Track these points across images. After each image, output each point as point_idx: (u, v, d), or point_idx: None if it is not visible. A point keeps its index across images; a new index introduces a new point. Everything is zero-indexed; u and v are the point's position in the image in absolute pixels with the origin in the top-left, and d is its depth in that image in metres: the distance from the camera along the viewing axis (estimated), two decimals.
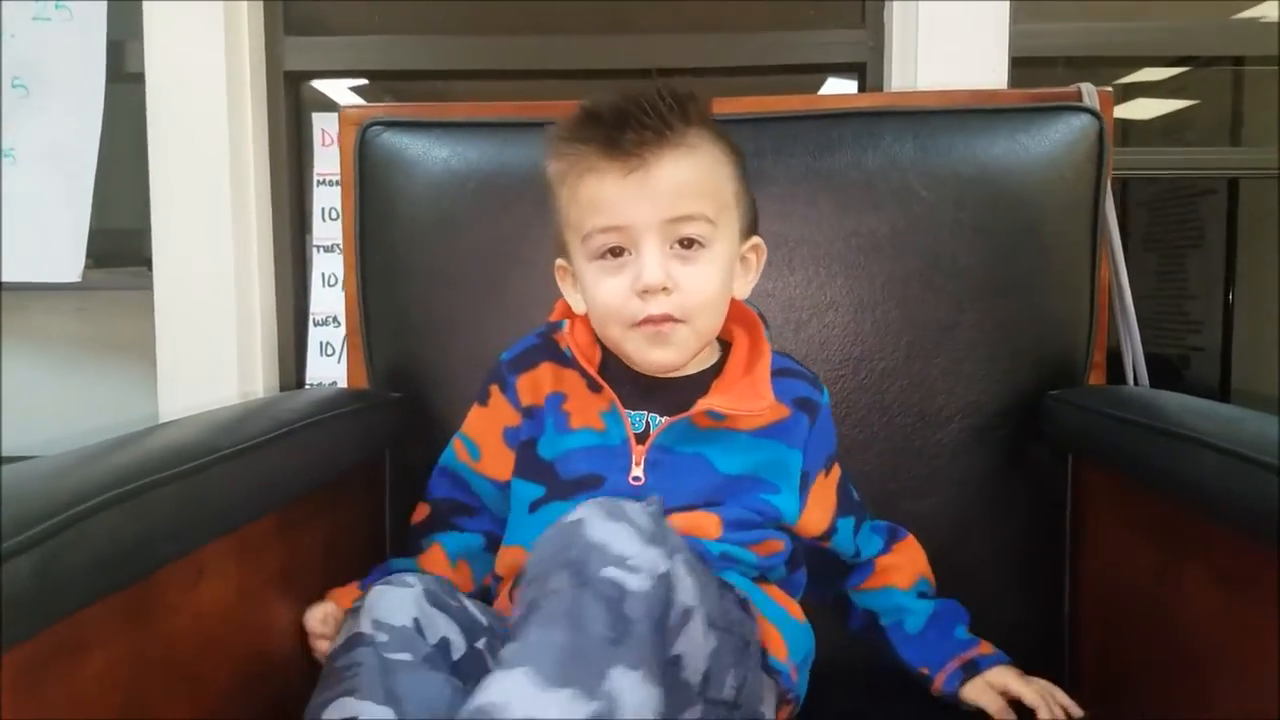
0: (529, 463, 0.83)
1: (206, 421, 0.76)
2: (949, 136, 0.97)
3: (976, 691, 0.83)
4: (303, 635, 0.81)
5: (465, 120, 1.00)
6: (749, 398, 0.79)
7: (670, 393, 0.81)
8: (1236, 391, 2.22)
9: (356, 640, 0.69)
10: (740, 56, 1.41)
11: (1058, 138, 0.97)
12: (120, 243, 1.54)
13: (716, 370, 0.83)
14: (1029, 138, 0.97)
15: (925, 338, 0.95)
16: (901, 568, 0.89)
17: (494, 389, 0.86)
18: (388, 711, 0.65)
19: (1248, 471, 0.64)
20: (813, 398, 0.83)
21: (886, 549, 0.90)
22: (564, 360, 0.83)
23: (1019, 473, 0.97)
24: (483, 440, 0.87)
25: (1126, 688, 0.87)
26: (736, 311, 0.83)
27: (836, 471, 0.87)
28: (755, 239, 0.83)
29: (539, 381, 0.84)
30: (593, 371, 0.80)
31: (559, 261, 0.84)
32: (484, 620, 0.74)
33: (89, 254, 1.43)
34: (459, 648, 0.71)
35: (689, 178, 0.75)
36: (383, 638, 0.68)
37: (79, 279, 1.41)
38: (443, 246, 0.97)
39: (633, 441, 0.79)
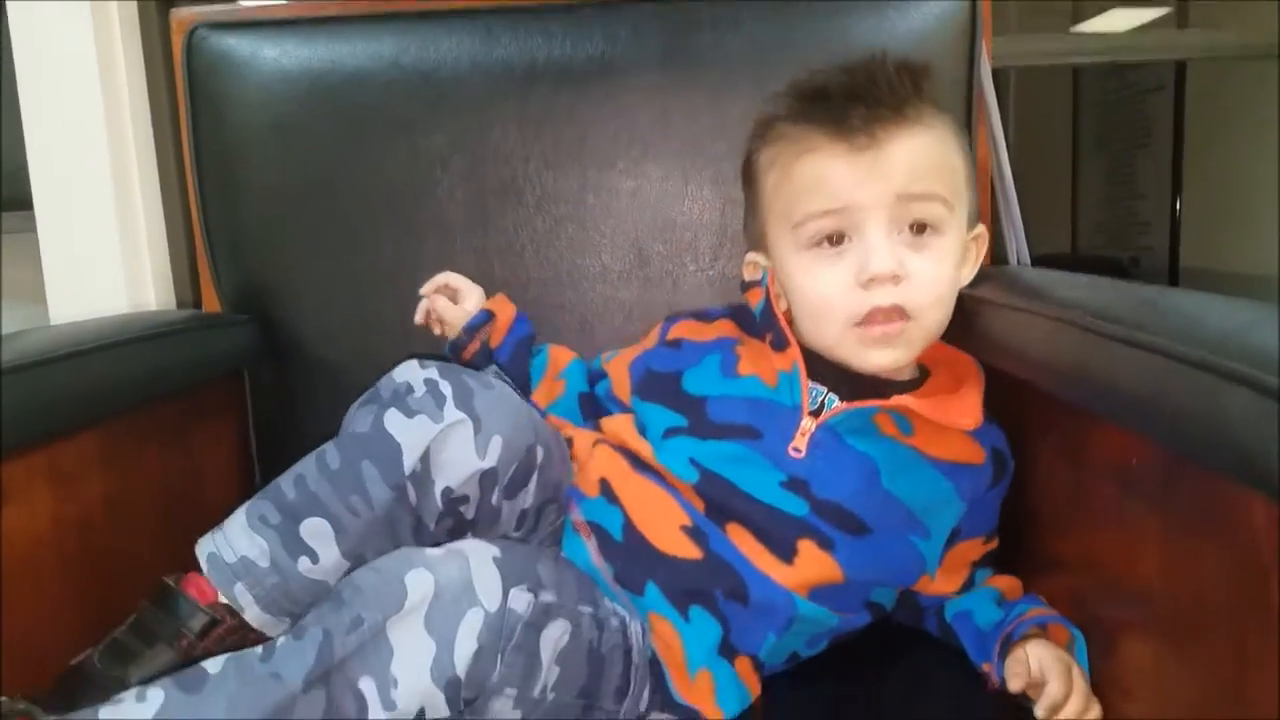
0: (665, 389, 0.76)
1: (12, 342, 0.73)
2: (811, 20, 0.93)
3: (1010, 663, 0.68)
4: (137, 570, 0.74)
5: (294, 17, 0.95)
6: (954, 412, 0.70)
7: (862, 383, 0.72)
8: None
9: (393, 470, 0.63)
10: None
11: (926, 16, 0.92)
12: (12, 184, 1.49)
13: (916, 384, 0.75)
14: (898, 15, 0.92)
15: None
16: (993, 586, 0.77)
17: (654, 331, 0.82)
18: (344, 566, 0.63)
19: (1079, 339, 0.61)
20: (1006, 454, 0.74)
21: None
22: (750, 327, 0.77)
23: None
24: (613, 362, 0.84)
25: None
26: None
27: (992, 545, 0.77)
28: (980, 228, 0.75)
29: (707, 330, 0.79)
30: (784, 325, 0.73)
31: (750, 257, 0.77)
32: (534, 484, 0.69)
33: None
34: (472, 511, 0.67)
35: (924, 156, 0.68)
36: (410, 493, 0.64)
37: None
38: (277, 156, 0.93)
39: (805, 409, 0.71)
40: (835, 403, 0.72)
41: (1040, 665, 0.65)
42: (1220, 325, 0.51)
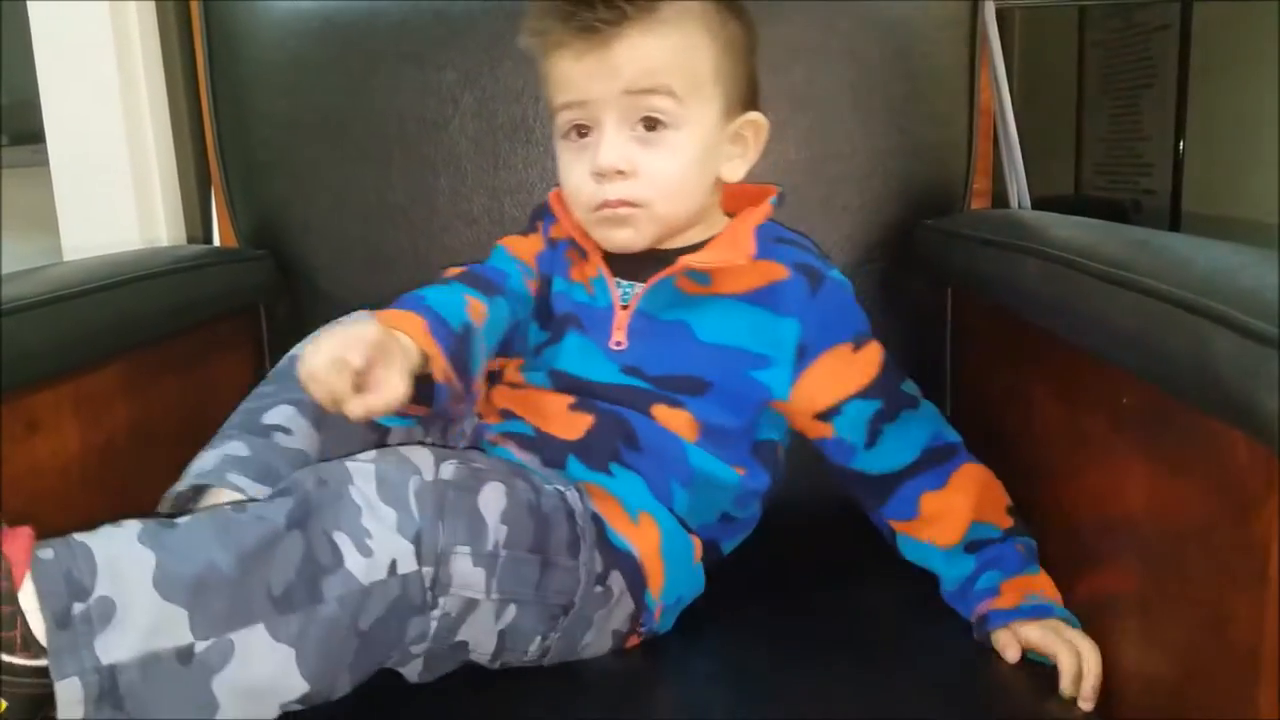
0: (541, 302, 0.82)
1: (37, 275, 0.75)
2: None
3: (1000, 644, 0.70)
4: (158, 492, 0.73)
5: None
6: (730, 253, 0.76)
7: (656, 261, 0.77)
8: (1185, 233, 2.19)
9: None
10: None
11: None
12: (26, 116, 1.50)
13: (704, 243, 0.79)
14: None
15: (797, 170, 0.93)
16: (949, 516, 0.76)
17: (538, 223, 0.85)
18: (315, 435, 0.68)
19: (1069, 277, 0.63)
20: (817, 266, 0.78)
21: (941, 482, 0.76)
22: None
23: (899, 307, 0.95)
24: (523, 257, 0.84)
25: None
26: (745, 190, 0.80)
27: (870, 352, 0.79)
28: (751, 114, 0.77)
29: (563, 228, 0.82)
30: (579, 237, 0.78)
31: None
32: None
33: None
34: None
35: (651, 52, 0.71)
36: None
37: None
38: (292, 91, 0.94)
39: (616, 307, 0.78)
40: (636, 289, 0.77)
41: (1033, 642, 0.68)
42: (1209, 267, 0.53)
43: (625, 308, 0.78)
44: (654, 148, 0.72)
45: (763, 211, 0.79)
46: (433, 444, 0.72)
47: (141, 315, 0.78)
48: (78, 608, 0.50)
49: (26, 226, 1.57)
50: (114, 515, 0.75)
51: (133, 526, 0.54)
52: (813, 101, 0.93)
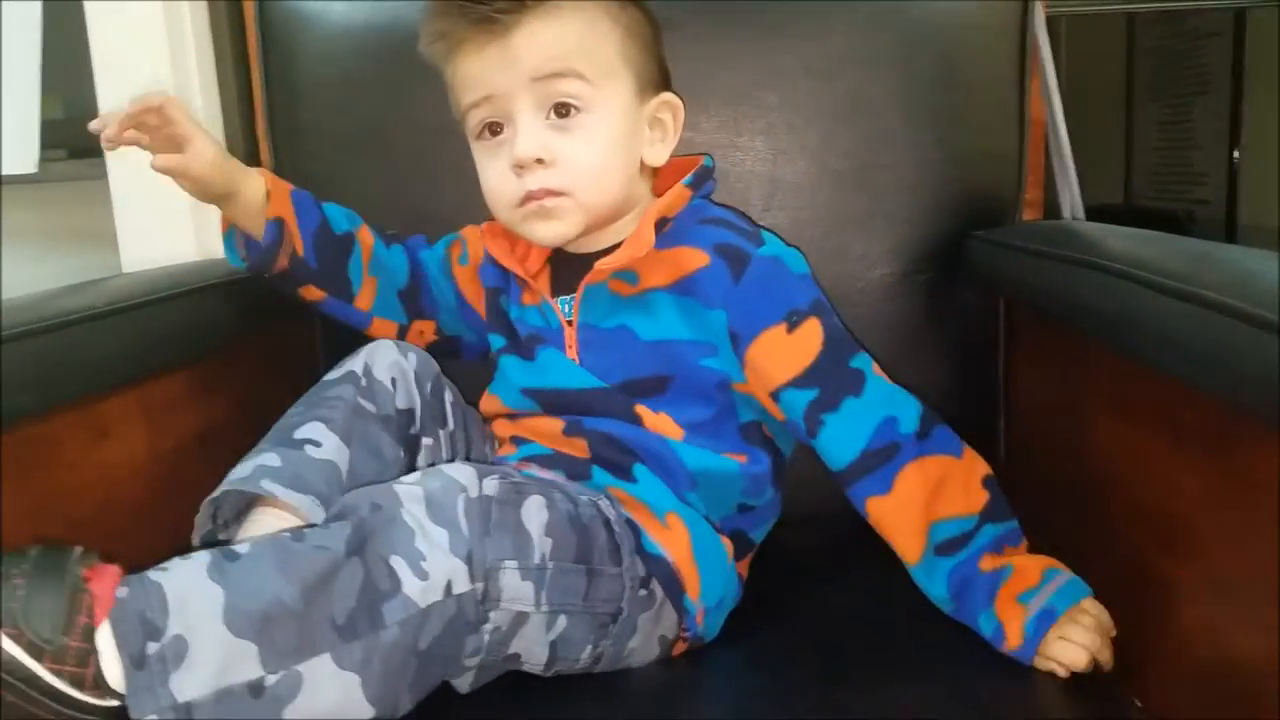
0: (494, 312, 0.84)
1: (104, 286, 0.77)
2: None
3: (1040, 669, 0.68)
4: None
5: None
6: (636, 245, 0.74)
7: (583, 270, 0.77)
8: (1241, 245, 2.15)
9: (350, 378, 0.74)
10: None
11: None
12: (81, 131, 1.54)
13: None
14: None
15: (843, 181, 0.93)
16: (902, 530, 0.72)
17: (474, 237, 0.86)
18: (344, 450, 0.70)
19: (1130, 290, 0.62)
20: (741, 246, 0.75)
21: (885, 487, 0.71)
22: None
23: (948, 318, 0.95)
24: (471, 247, 0.87)
25: (1056, 543, 0.86)
26: (678, 166, 0.79)
27: (807, 334, 0.74)
28: (665, 95, 0.77)
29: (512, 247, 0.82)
30: (518, 269, 0.79)
31: None
32: (451, 420, 0.79)
33: (50, 146, 1.43)
34: (418, 426, 0.76)
35: (553, 37, 0.71)
36: (364, 382, 0.73)
37: (35, 170, 1.41)
38: (343, 105, 0.96)
39: (564, 325, 0.78)
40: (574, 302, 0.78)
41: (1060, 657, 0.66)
42: (1275, 281, 0.52)
43: (570, 324, 0.78)
44: (570, 133, 0.72)
45: (675, 195, 0.76)
46: (468, 460, 0.75)
47: (205, 324, 0.81)
48: (152, 647, 0.51)
49: (86, 240, 1.61)
50: (179, 520, 0.77)
51: (200, 560, 0.55)
52: (860, 111, 0.93)
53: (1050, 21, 0.97)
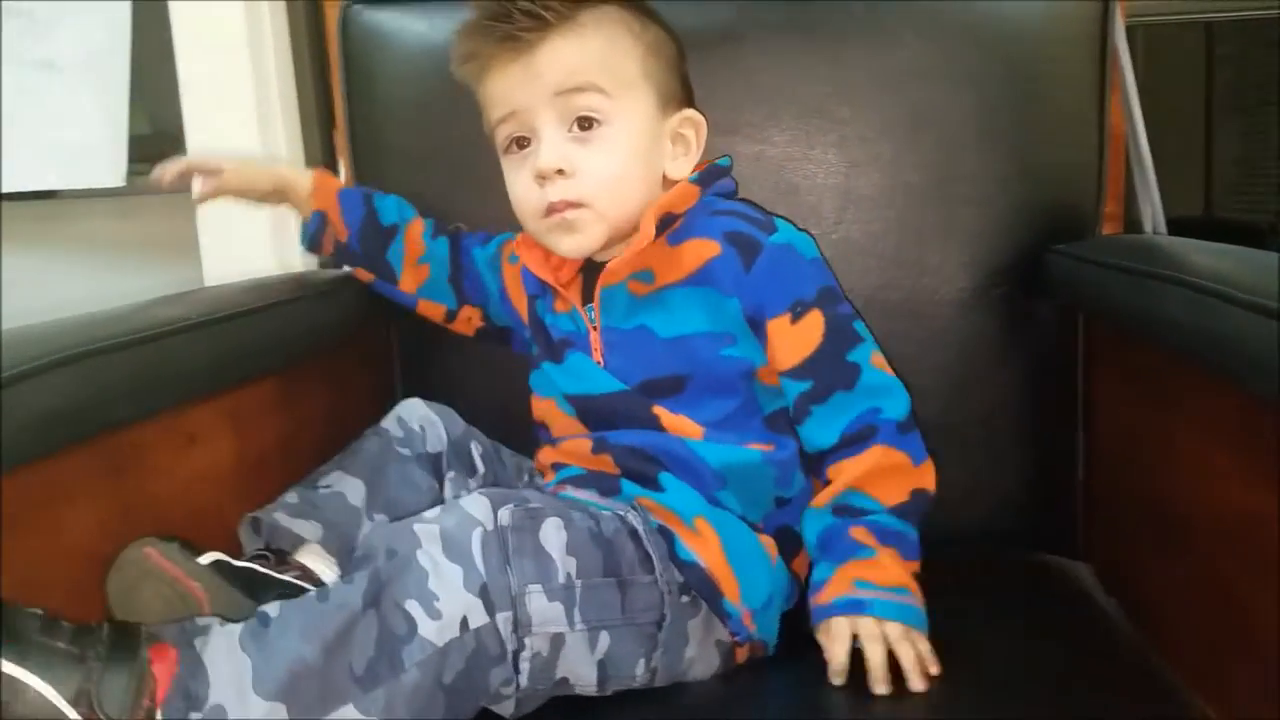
0: (533, 317, 0.86)
1: (193, 297, 0.80)
2: None
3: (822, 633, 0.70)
4: None
5: None
6: (639, 241, 0.76)
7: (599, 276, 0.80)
8: None
9: (378, 431, 0.83)
10: None
11: None
12: (168, 146, 1.59)
13: None
14: None
15: (917, 194, 0.92)
16: (833, 484, 0.74)
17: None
18: (360, 485, 0.78)
19: (1216, 308, 0.61)
20: (752, 234, 0.76)
21: (854, 448, 0.73)
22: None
23: (1024, 333, 0.93)
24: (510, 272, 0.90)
25: (1134, 563, 0.84)
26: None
27: (808, 326, 0.75)
28: (687, 111, 0.80)
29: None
30: (550, 279, 0.81)
31: None
32: (481, 465, 0.85)
33: (136, 159, 1.49)
34: (446, 465, 0.83)
35: (575, 53, 0.74)
36: (397, 433, 0.82)
37: (123, 183, 1.47)
38: (424, 127, 0.98)
39: (590, 330, 0.80)
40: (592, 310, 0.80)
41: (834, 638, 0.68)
42: None
43: (595, 328, 0.80)
44: (591, 145, 0.75)
45: (679, 190, 0.78)
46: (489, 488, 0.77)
47: (290, 335, 0.83)
48: (194, 716, 0.55)
49: (169, 251, 1.67)
50: None
51: (233, 631, 0.59)
52: (933, 124, 0.92)
53: (1127, 30, 0.96)
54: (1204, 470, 0.70)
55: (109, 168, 1.46)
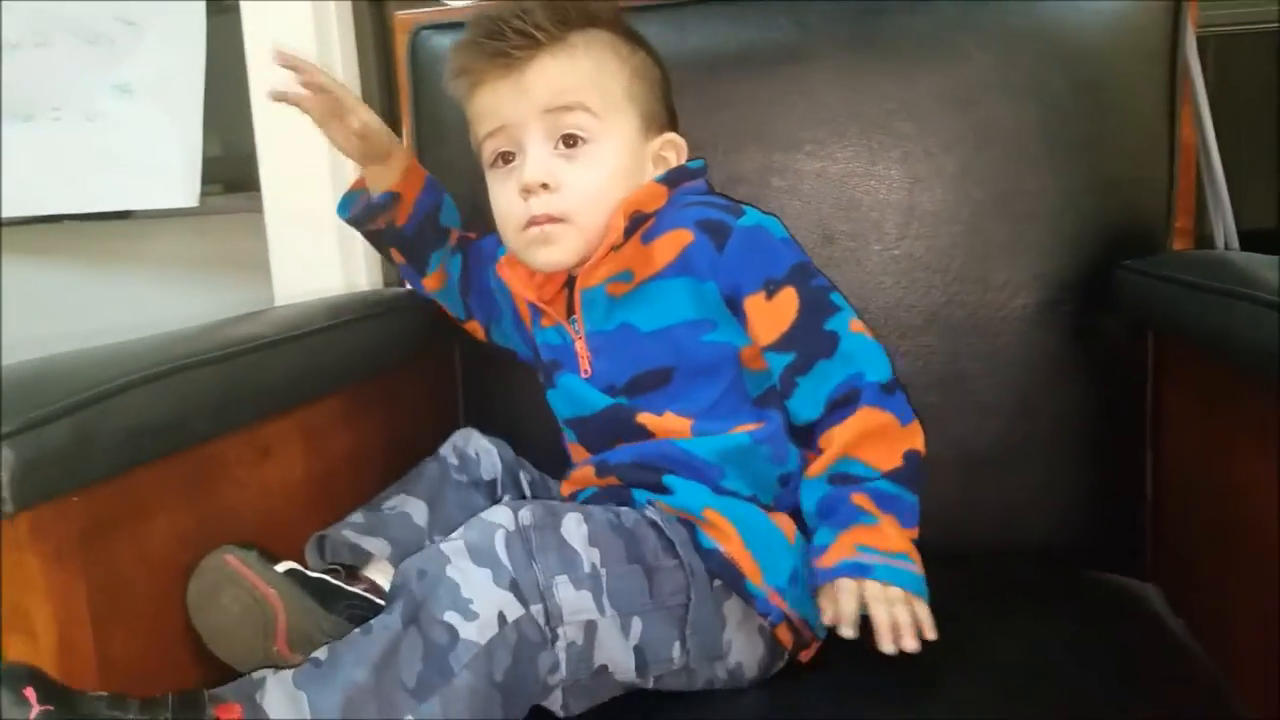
0: (533, 341, 0.88)
1: (268, 315, 0.83)
2: None
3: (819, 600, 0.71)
4: None
5: None
6: (611, 239, 0.78)
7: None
8: None
9: (437, 458, 0.85)
10: None
11: None
12: (239, 167, 1.64)
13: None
14: None
15: (983, 209, 0.91)
16: (826, 449, 0.74)
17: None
18: (423, 506, 0.81)
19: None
20: (722, 219, 0.78)
21: (838, 421, 0.74)
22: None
23: (1092, 349, 0.92)
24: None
25: (1204, 583, 0.83)
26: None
27: (784, 301, 0.76)
28: (668, 135, 0.83)
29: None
30: (531, 297, 0.83)
31: None
32: (528, 492, 0.86)
33: (208, 180, 1.54)
34: (500, 491, 0.86)
35: (564, 73, 0.77)
36: (454, 460, 0.85)
37: (197, 204, 1.51)
38: None
39: (575, 340, 0.82)
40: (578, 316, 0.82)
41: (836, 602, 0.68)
42: None
43: (580, 337, 0.82)
44: (575, 162, 0.77)
45: (647, 190, 0.80)
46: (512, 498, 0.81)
47: (361, 353, 0.85)
48: None
49: (241, 270, 1.72)
50: None
51: (286, 677, 0.61)
52: (998, 139, 0.91)
53: (1198, 40, 0.94)
54: (1274, 490, 0.68)
55: (183, 189, 1.51)
